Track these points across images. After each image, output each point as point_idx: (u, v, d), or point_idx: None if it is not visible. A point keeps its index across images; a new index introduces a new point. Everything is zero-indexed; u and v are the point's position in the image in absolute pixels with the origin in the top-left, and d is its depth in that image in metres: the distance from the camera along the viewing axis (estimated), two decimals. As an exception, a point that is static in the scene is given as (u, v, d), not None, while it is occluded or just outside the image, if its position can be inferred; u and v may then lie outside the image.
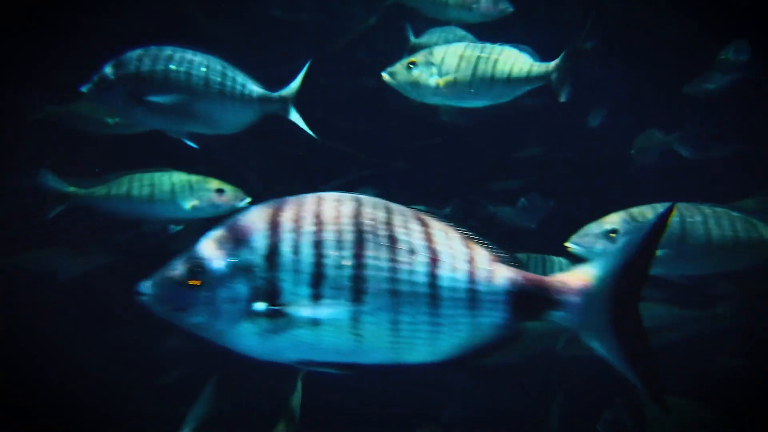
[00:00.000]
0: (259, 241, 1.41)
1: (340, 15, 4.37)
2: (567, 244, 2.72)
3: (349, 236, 1.41)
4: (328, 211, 1.44)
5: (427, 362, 1.49)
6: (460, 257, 1.46)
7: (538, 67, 2.84)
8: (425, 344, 1.45)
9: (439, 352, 1.47)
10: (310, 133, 3.00)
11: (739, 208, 2.68)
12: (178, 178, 3.45)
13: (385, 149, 5.23)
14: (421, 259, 1.43)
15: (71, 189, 3.55)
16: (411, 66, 2.84)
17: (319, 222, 1.42)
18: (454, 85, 2.81)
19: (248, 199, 3.45)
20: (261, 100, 2.93)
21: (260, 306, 1.39)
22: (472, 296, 1.44)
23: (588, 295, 1.43)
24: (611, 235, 2.62)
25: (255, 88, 2.92)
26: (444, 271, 1.43)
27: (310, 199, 1.47)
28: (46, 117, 4.06)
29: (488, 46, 2.86)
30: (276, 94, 2.96)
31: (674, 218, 2.56)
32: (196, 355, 4.87)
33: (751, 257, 2.65)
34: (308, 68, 3.04)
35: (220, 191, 3.45)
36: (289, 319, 1.39)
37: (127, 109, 2.84)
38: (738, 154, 4.62)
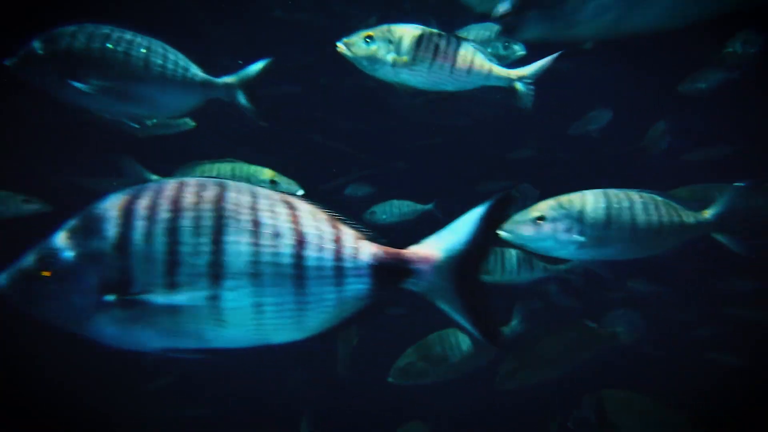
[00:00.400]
0: (110, 229, 1.39)
1: (339, 15, 4.38)
2: (498, 231, 2.75)
3: (208, 222, 1.41)
4: (188, 197, 1.43)
5: (295, 339, 1.53)
6: (327, 237, 1.50)
7: (499, 72, 2.85)
8: (293, 323, 1.48)
9: (307, 329, 1.51)
10: (259, 122, 2.98)
11: (669, 196, 2.73)
12: (239, 168, 3.48)
13: (385, 149, 5.24)
14: (286, 241, 1.45)
15: (154, 177, 3.61)
16: (368, 40, 2.82)
17: (176, 208, 1.41)
18: (411, 66, 2.80)
19: (302, 191, 3.42)
20: (204, 84, 2.87)
21: (110, 296, 1.37)
22: (339, 273, 1.49)
23: (436, 263, 1.56)
24: (538, 221, 2.69)
25: (198, 73, 2.86)
26: (310, 252, 1.46)
27: (170, 185, 1.46)
28: (90, 120, 4.14)
29: (448, 35, 2.85)
30: (220, 80, 2.91)
31: (602, 204, 2.64)
32: (182, 362, 4.89)
33: (672, 241, 2.71)
34: (267, 64, 2.98)
35: (273, 182, 3.46)
36: (144, 308, 1.37)
37: (56, 87, 2.69)
38: (730, 154, 4.65)
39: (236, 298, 1.40)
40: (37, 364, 4.51)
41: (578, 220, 2.63)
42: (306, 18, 4.11)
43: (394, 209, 4.67)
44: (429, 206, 4.74)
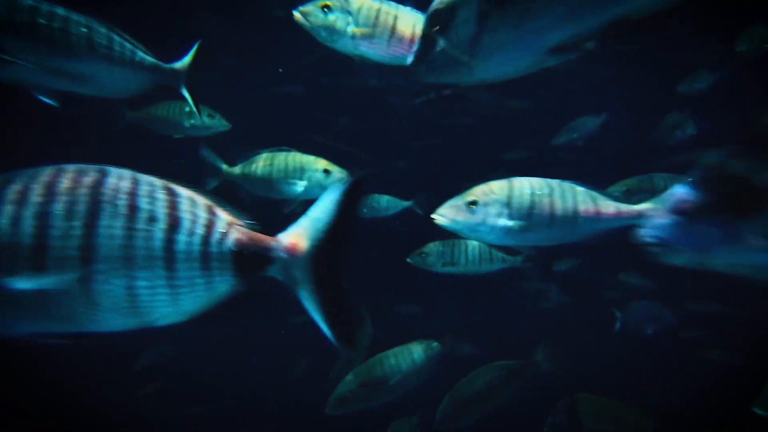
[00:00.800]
0: None
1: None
2: (433, 216, 2.87)
3: (82, 206, 1.42)
4: (64, 182, 1.44)
5: (174, 322, 1.56)
6: (200, 223, 1.53)
7: None
8: (168, 306, 1.51)
9: (182, 312, 1.55)
10: (196, 110, 2.97)
11: (595, 187, 2.83)
12: (292, 158, 3.55)
13: (385, 149, 5.24)
14: (160, 226, 1.48)
15: (224, 166, 3.70)
16: (326, 10, 2.81)
17: (49, 193, 1.42)
18: (371, 39, 2.79)
19: None
20: (152, 68, 2.85)
21: None
22: (205, 257, 1.52)
23: (295, 252, 1.58)
24: (471, 206, 2.77)
25: (146, 57, 2.84)
26: (181, 236, 1.50)
27: (47, 171, 1.47)
28: (129, 122, 4.23)
29: (404, 8, 2.84)
30: (168, 66, 2.91)
31: (527, 190, 2.76)
32: (170, 370, 4.91)
33: (590, 228, 2.78)
34: (198, 48, 3.03)
35: (327, 171, 3.50)
36: (8, 292, 1.37)
37: None
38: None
39: (107, 280, 1.42)
40: (36, 363, 4.50)
41: (506, 205, 2.74)
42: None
43: (374, 203, 4.70)
44: (409, 203, 4.73)
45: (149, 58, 2.85)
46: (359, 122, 4.86)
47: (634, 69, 4.40)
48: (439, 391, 4.41)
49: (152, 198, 1.50)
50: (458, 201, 2.83)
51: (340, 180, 3.41)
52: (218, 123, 4.11)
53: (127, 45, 2.78)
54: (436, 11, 1.53)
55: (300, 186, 3.51)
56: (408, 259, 3.95)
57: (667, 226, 1.26)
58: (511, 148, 5.21)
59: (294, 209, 3.74)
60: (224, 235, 1.55)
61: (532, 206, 2.74)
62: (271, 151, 3.62)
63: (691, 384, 4.37)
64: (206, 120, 4.08)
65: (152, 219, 1.47)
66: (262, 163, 3.60)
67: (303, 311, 1.63)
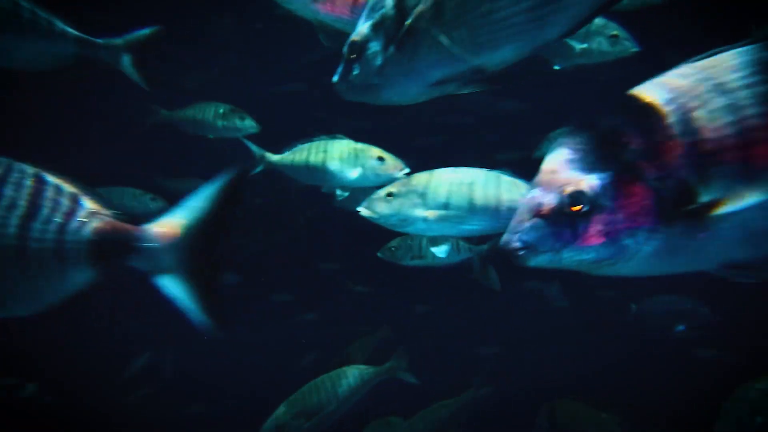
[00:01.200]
0: None
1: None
2: (358, 209, 2.92)
3: None
4: None
5: (24, 314, 1.55)
6: (60, 211, 1.53)
7: None
8: (21, 298, 1.52)
9: (38, 303, 1.54)
10: (145, 87, 2.91)
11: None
12: (346, 146, 3.50)
13: (386, 148, 5.23)
14: (17, 213, 1.48)
15: (267, 154, 3.67)
16: (390, 197, 2.91)
17: None
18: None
19: (407, 170, 3.42)
20: (79, 41, 2.71)
21: None
22: (60, 246, 1.52)
23: (166, 240, 1.57)
24: (389, 197, 2.85)
25: (68, 29, 2.69)
26: (36, 224, 1.49)
27: None
28: (162, 121, 4.34)
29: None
30: (101, 40, 2.78)
31: (445, 180, 2.80)
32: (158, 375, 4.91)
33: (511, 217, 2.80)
34: (156, 32, 2.91)
35: (381, 159, 3.45)
36: None
37: None
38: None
39: None
40: (36, 363, 4.50)
41: (422, 195, 2.79)
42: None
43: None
44: None
45: (72, 30, 2.71)
46: (360, 122, 4.85)
47: (641, 69, 4.39)
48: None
49: (18, 185, 1.50)
50: (380, 193, 2.90)
51: (395, 167, 3.42)
52: (248, 124, 4.21)
53: (41, 14, 2.63)
54: (353, 41, 1.83)
55: (354, 174, 3.46)
56: (378, 254, 3.94)
57: (529, 228, 1.30)
58: (510, 148, 5.22)
59: (344, 200, 3.71)
60: (83, 224, 1.55)
61: (449, 196, 2.77)
62: (322, 139, 3.58)
63: (684, 383, 4.39)
64: (237, 122, 4.16)
65: (12, 206, 1.48)
66: (314, 150, 3.54)
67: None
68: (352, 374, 3.98)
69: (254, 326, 5.14)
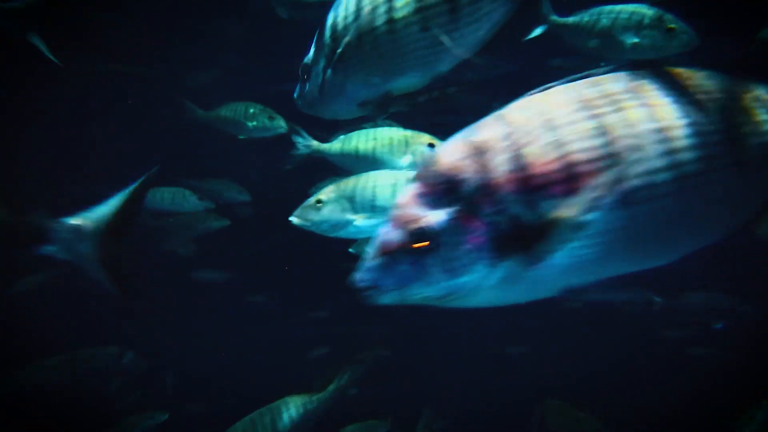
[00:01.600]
0: None
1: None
2: (290, 218, 3.00)
3: None
4: None
5: None
6: None
7: None
8: None
9: None
10: (53, 59, 2.86)
11: None
12: (396, 133, 3.44)
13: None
14: None
15: (314, 142, 3.64)
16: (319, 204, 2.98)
17: None
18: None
19: None
20: None
21: None
22: None
23: (82, 231, 1.80)
24: (318, 204, 2.94)
25: None
26: None
27: None
28: (198, 121, 4.43)
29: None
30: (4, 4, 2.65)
31: (370, 183, 2.89)
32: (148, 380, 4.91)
33: None
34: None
35: (432, 146, 3.37)
36: None
37: None
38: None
39: None
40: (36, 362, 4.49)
41: (350, 199, 2.87)
42: (311, 17, 4.12)
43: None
44: None
45: None
46: (363, 119, 4.87)
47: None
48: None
49: None
50: (310, 201, 2.97)
51: None
52: (278, 125, 4.24)
53: None
54: (304, 64, 2.21)
55: (405, 161, 3.39)
56: (351, 249, 3.94)
57: (375, 267, 1.32)
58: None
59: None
60: None
61: (374, 198, 2.84)
62: (371, 126, 3.54)
63: (679, 383, 4.40)
64: (266, 121, 4.21)
65: None
66: (363, 138, 3.48)
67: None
68: (294, 405, 3.68)
69: (254, 325, 5.14)
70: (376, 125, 3.52)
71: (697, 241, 1.44)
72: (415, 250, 1.29)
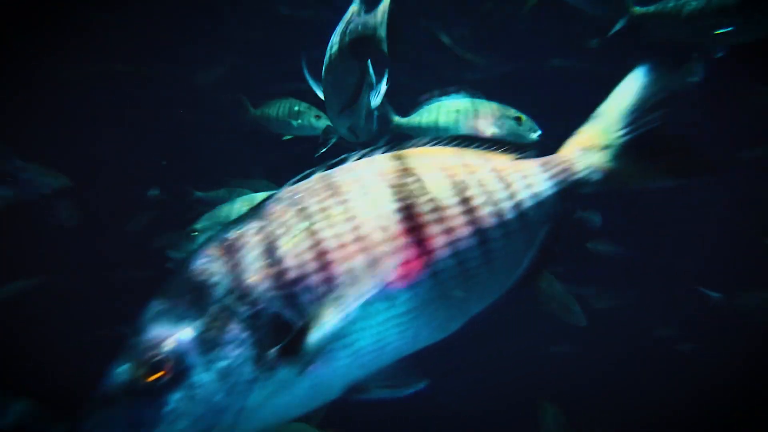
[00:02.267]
0: None
1: (344, 11, 4.38)
2: (167, 253, 3.16)
3: None
4: None
5: None
6: None
7: None
8: None
9: None
10: None
11: None
12: (479, 104, 3.33)
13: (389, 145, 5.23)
14: None
15: (395, 117, 3.53)
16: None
17: None
18: None
19: (540, 132, 3.24)
20: None
21: None
22: None
23: None
24: (194, 234, 3.08)
25: None
26: None
27: None
28: (251, 121, 4.37)
29: None
30: None
31: (245, 206, 2.90)
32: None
33: None
34: None
35: (518, 119, 3.28)
36: None
37: None
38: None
39: None
40: (36, 362, 4.48)
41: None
42: (311, 14, 4.12)
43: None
44: None
45: None
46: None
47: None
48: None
49: None
50: (185, 232, 3.15)
51: (531, 129, 3.25)
52: (323, 124, 4.16)
53: None
54: None
55: (490, 132, 3.27)
56: None
57: (99, 421, 1.06)
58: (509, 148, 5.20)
59: None
60: None
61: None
62: (453, 99, 3.41)
63: (674, 382, 4.40)
64: (313, 121, 4.16)
65: None
66: (444, 110, 3.37)
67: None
68: None
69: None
70: (458, 96, 3.41)
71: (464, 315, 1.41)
72: (152, 385, 1.05)
